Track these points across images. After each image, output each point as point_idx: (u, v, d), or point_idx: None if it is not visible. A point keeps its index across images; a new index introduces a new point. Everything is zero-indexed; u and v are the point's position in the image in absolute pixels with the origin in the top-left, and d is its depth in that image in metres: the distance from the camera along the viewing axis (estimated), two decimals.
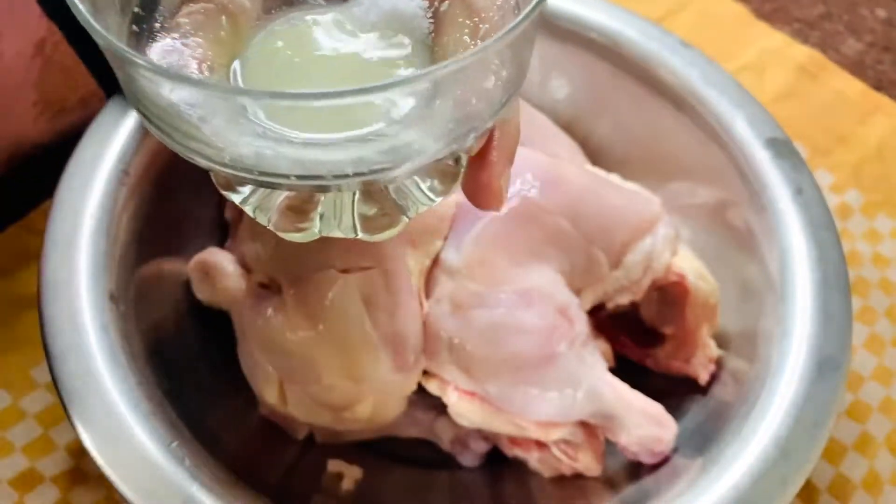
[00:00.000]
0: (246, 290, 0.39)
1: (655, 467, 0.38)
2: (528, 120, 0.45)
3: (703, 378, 0.41)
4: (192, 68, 0.26)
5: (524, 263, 0.38)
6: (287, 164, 0.24)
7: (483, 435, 0.41)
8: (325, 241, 0.31)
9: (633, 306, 0.43)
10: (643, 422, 0.37)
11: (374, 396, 0.38)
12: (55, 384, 0.34)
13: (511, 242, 0.38)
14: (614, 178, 0.43)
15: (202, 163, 0.25)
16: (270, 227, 0.30)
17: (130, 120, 0.41)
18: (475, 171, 0.29)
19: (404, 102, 0.25)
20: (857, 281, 0.48)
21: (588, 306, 0.40)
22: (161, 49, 0.27)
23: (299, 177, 0.25)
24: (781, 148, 0.42)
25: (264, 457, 0.40)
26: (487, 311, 0.37)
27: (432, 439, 0.42)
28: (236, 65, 0.27)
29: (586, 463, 0.39)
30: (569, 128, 0.48)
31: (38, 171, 0.44)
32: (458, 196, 0.36)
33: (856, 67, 0.59)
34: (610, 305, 0.41)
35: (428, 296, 0.39)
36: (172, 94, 0.24)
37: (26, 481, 0.39)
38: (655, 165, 0.47)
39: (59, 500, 0.39)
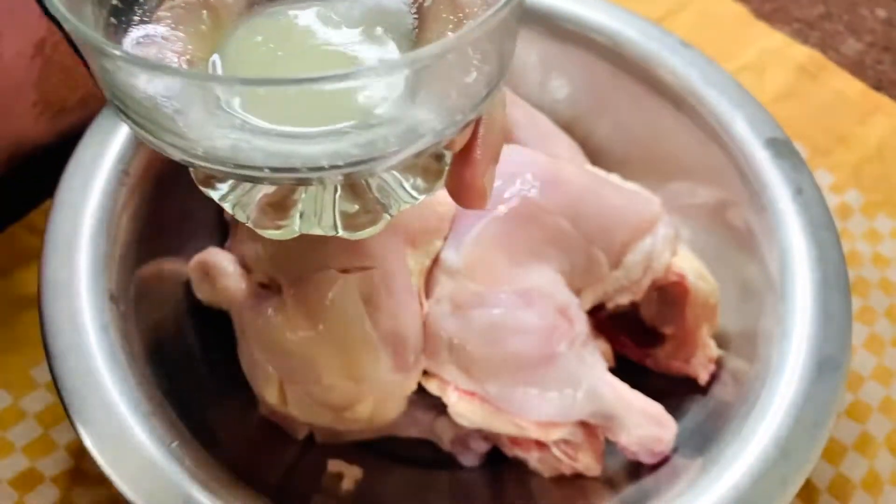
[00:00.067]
0: (246, 290, 0.39)
1: (655, 467, 0.38)
2: (528, 120, 0.45)
3: (703, 378, 0.41)
4: (172, 62, 0.26)
5: (524, 263, 0.38)
6: (262, 156, 0.24)
7: (483, 435, 0.41)
8: (324, 241, 0.31)
9: (633, 306, 0.43)
10: (643, 422, 0.37)
11: (374, 396, 0.38)
12: (55, 384, 0.34)
13: (511, 242, 0.38)
14: (614, 178, 0.43)
15: (176, 156, 0.25)
16: (249, 225, 0.30)
17: None
18: (459, 169, 0.29)
19: (381, 95, 0.25)
20: (857, 281, 0.48)
21: (588, 306, 0.40)
22: (139, 42, 0.26)
23: (274, 169, 0.24)
24: (781, 148, 0.42)
25: (264, 457, 0.40)
26: (487, 311, 0.37)
27: (432, 439, 0.42)
28: (215, 59, 0.27)
29: (586, 463, 0.39)
30: (569, 128, 0.48)
31: (38, 171, 0.44)
32: None
33: (856, 67, 0.59)
34: (610, 305, 0.42)
35: (428, 296, 0.39)
36: (143, 82, 0.23)
37: (26, 481, 0.39)
38: (655, 165, 0.47)
39: (60, 500, 0.39)
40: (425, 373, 0.39)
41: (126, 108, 0.25)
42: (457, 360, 0.37)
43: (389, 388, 0.38)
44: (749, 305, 0.41)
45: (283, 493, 0.38)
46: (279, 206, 0.29)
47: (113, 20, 0.27)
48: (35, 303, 0.36)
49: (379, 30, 0.28)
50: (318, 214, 0.29)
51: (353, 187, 0.29)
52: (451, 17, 0.27)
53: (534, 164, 0.40)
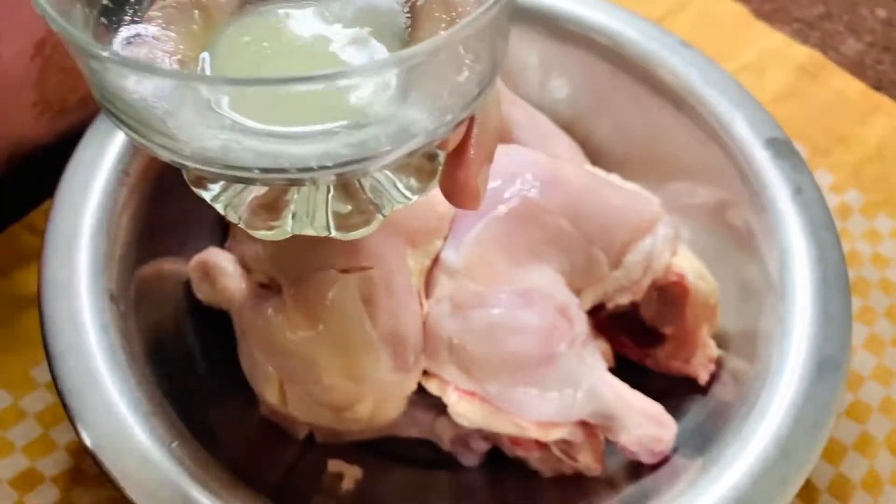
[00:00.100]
0: (246, 290, 0.39)
1: (655, 467, 0.38)
2: (528, 120, 0.45)
3: (703, 378, 0.41)
4: (163, 62, 0.26)
5: (524, 263, 0.38)
6: (252, 157, 0.24)
7: (483, 435, 0.41)
8: (324, 241, 0.31)
9: (633, 306, 0.43)
10: (643, 422, 0.37)
11: (374, 396, 0.38)
12: (55, 384, 0.34)
13: (511, 242, 0.38)
14: (614, 178, 0.43)
15: (166, 157, 0.25)
16: (241, 226, 0.30)
17: None
18: (452, 169, 0.29)
19: (372, 94, 0.25)
20: (856, 281, 0.48)
21: (588, 306, 0.40)
22: (130, 42, 0.26)
23: (264, 170, 0.24)
24: (781, 148, 0.42)
25: (264, 457, 0.40)
26: (487, 311, 0.37)
27: (432, 439, 0.42)
28: (204, 57, 0.27)
29: (586, 463, 0.39)
30: (569, 128, 0.48)
31: (38, 171, 0.44)
32: None
33: (856, 67, 0.59)
34: (610, 305, 0.41)
35: (428, 296, 0.39)
36: (132, 84, 0.23)
37: (26, 481, 0.39)
38: (655, 165, 0.47)
39: (60, 500, 0.39)
40: (425, 373, 0.39)
41: (115, 109, 0.25)
42: (457, 360, 0.37)
43: (389, 388, 0.38)
44: (749, 305, 0.41)
45: (283, 493, 0.38)
46: (271, 207, 0.29)
47: (104, 20, 0.27)
48: (35, 303, 0.36)
49: (370, 29, 0.28)
50: (310, 215, 0.29)
51: (346, 188, 0.29)
52: (444, 17, 0.27)
53: (534, 164, 0.40)
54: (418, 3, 0.28)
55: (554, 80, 0.49)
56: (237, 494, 0.34)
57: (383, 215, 0.30)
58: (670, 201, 0.43)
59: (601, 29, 0.47)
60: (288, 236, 0.30)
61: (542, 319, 0.37)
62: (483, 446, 0.42)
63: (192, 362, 0.42)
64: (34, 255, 0.38)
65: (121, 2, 0.27)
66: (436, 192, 0.30)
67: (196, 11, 0.27)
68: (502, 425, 0.38)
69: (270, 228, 0.29)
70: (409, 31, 0.28)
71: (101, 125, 0.41)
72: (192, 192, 0.30)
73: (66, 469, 0.40)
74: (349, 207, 0.29)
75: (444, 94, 0.25)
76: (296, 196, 0.29)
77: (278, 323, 0.37)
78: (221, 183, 0.29)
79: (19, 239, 0.46)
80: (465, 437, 0.41)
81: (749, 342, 0.40)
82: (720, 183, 0.44)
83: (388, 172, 0.29)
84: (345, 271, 0.37)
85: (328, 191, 0.29)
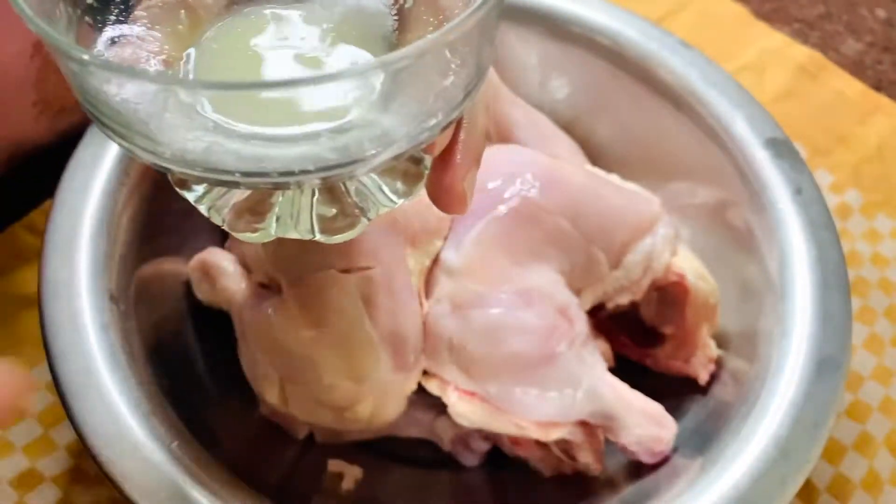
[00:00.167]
0: (246, 290, 0.39)
1: (655, 467, 0.38)
2: (528, 120, 0.45)
3: (703, 378, 0.41)
4: (147, 62, 0.26)
5: (524, 263, 0.38)
6: (234, 159, 0.24)
7: (483, 435, 0.41)
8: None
9: (633, 306, 0.43)
10: (643, 422, 0.37)
11: (375, 396, 0.38)
12: (55, 384, 0.35)
13: (511, 242, 0.38)
14: (614, 178, 0.43)
15: (147, 159, 0.24)
16: (225, 228, 0.29)
17: None
18: (439, 173, 0.28)
19: (356, 98, 0.24)
20: (856, 281, 0.48)
21: (588, 306, 0.40)
22: (115, 42, 0.26)
23: (245, 174, 0.24)
24: (781, 148, 0.42)
25: (264, 457, 0.40)
26: (487, 311, 0.37)
27: (432, 439, 0.42)
28: (189, 57, 0.27)
29: (586, 463, 0.39)
30: (569, 128, 0.48)
31: (38, 171, 0.44)
32: None
33: (856, 67, 0.59)
34: (610, 305, 0.42)
35: (428, 296, 0.39)
36: (113, 86, 0.23)
37: (27, 481, 0.39)
38: (655, 165, 0.47)
39: (60, 500, 0.39)
40: (425, 373, 0.39)
41: (97, 112, 0.24)
42: (457, 360, 0.37)
43: (389, 388, 0.38)
44: (749, 305, 0.41)
45: (283, 493, 0.38)
46: (255, 210, 0.29)
47: (88, 20, 0.26)
48: (35, 303, 0.36)
49: (357, 31, 0.27)
50: (294, 218, 0.29)
51: (331, 191, 0.29)
52: (432, 19, 0.27)
53: (534, 164, 0.40)
54: (406, 6, 0.28)
55: (554, 80, 0.49)
56: (237, 494, 0.34)
57: (368, 219, 0.29)
58: (670, 201, 0.43)
59: (601, 29, 0.47)
60: (272, 239, 0.30)
61: (542, 319, 0.37)
62: (483, 446, 0.42)
63: (192, 362, 0.42)
64: (34, 255, 0.38)
65: (106, 1, 0.27)
66: None
67: (182, 11, 0.27)
68: (502, 425, 0.38)
69: (254, 231, 0.29)
70: (397, 33, 0.28)
71: None
72: None
73: (66, 469, 0.40)
74: (334, 211, 0.29)
75: (430, 99, 0.25)
76: (280, 199, 0.29)
77: (278, 323, 0.37)
78: (205, 184, 0.29)
79: (19, 239, 0.46)
80: (465, 437, 0.41)
81: (749, 342, 0.40)
82: (720, 183, 0.44)
83: (373, 176, 0.29)
84: (345, 271, 0.37)
85: (313, 194, 0.29)
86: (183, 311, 0.42)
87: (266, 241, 0.30)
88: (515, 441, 0.40)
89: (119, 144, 0.25)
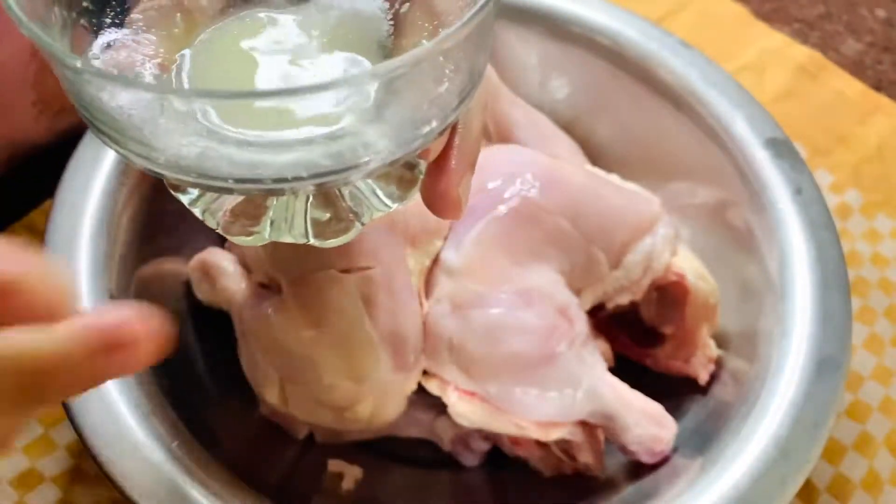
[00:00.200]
0: (246, 290, 0.39)
1: (655, 467, 0.38)
2: (528, 120, 0.45)
3: (703, 378, 0.41)
4: (143, 66, 0.26)
5: (524, 263, 0.38)
6: (226, 165, 0.24)
7: (483, 434, 0.41)
8: None
9: (633, 306, 0.43)
10: (643, 421, 0.37)
11: (374, 396, 0.38)
12: None
13: (511, 242, 0.38)
14: (614, 178, 0.43)
15: (141, 164, 0.24)
16: (220, 231, 0.29)
17: None
18: (433, 179, 0.28)
19: (350, 105, 0.24)
20: (856, 281, 0.48)
21: (588, 306, 0.40)
22: (110, 45, 0.26)
23: (238, 180, 0.24)
24: (781, 148, 0.42)
25: (264, 457, 0.40)
26: (487, 311, 0.37)
27: (432, 439, 0.42)
28: (184, 61, 0.27)
29: (586, 463, 0.39)
30: (569, 128, 0.48)
31: (38, 171, 0.44)
32: None
33: (856, 67, 0.59)
34: (610, 305, 0.42)
35: (428, 296, 0.39)
36: (106, 93, 0.23)
37: (27, 481, 0.39)
38: (655, 165, 0.47)
39: (60, 500, 0.39)
40: (425, 373, 0.39)
41: (91, 117, 0.24)
42: (457, 360, 0.37)
43: (389, 388, 0.38)
44: (749, 305, 0.41)
45: (283, 493, 0.38)
46: (249, 214, 0.29)
47: (83, 23, 0.26)
48: None
49: (353, 36, 0.27)
50: (288, 222, 0.29)
51: (326, 195, 0.29)
52: (427, 25, 0.27)
53: (534, 164, 0.40)
54: (401, 11, 0.28)
55: (554, 80, 0.49)
56: (237, 494, 0.34)
57: (362, 223, 0.29)
58: (670, 201, 0.43)
59: (601, 29, 0.47)
60: (265, 242, 0.30)
61: (542, 319, 0.37)
62: (483, 446, 0.42)
63: (192, 362, 0.42)
64: None
65: (101, 4, 0.27)
66: None
67: (178, 14, 0.27)
68: (502, 425, 0.38)
69: (248, 234, 0.29)
70: (392, 38, 0.28)
71: None
72: None
73: (66, 469, 0.40)
74: (328, 215, 0.29)
75: (424, 105, 0.25)
76: (274, 203, 0.29)
77: (278, 323, 0.37)
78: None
79: (19, 239, 0.46)
80: (465, 437, 0.41)
81: (749, 342, 0.40)
82: (720, 183, 0.44)
83: (368, 180, 0.29)
84: (345, 271, 0.37)
85: (307, 198, 0.29)
86: (183, 311, 0.42)
87: (260, 244, 0.30)
88: (515, 441, 0.40)
89: (114, 150, 0.25)
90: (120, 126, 0.24)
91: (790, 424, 0.35)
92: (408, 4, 0.28)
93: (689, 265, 0.42)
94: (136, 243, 0.40)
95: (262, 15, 0.28)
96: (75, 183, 0.39)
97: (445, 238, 0.39)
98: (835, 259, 0.39)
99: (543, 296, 0.38)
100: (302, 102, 0.23)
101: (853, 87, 0.57)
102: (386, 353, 0.37)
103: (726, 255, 0.43)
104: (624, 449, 0.38)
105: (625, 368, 0.41)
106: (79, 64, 0.23)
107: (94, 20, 0.27)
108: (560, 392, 0.37)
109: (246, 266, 0.40)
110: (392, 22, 0.28)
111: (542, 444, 0.39)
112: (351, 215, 0.29)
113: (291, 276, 0.37)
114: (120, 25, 0.27)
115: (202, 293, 0.41)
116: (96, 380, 0.20)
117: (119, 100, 0.23)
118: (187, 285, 0.41)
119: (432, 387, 0.39)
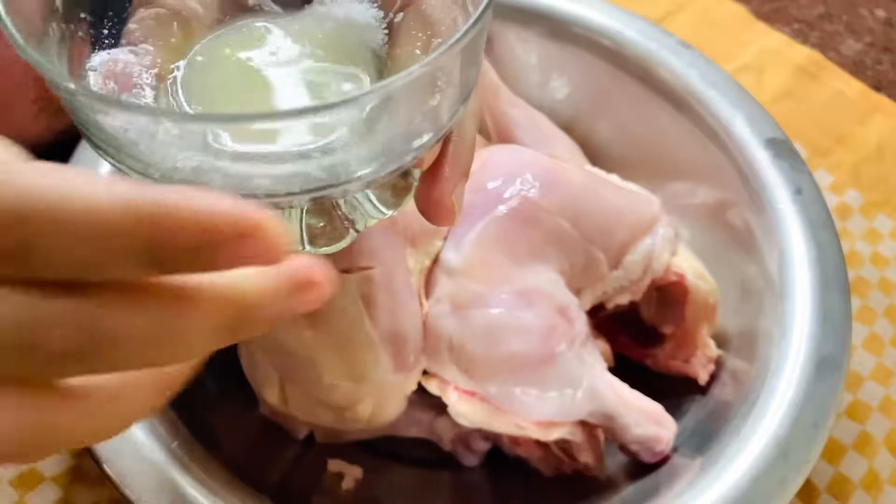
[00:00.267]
0: None
1: (655, 467, 0.38)
2: (528, 120, 0.45)
3: (703, 378, 0.41)
4: (140, 76, 0.26)
5: (524, 263, 0.38)
6: (220, 178, 0.24)
7: (483, 434, 0.41)
8: None
9: (633, 306, 0.43)
10: (643, 421, 0.38)
11: (374, 396, 0.38)
12: None
13: (511, 242, 0.38)
14: (614, 178, 0.43)
15: (135, 177, 0.24)
16: None
17: None
18: (427, 187, 0.28)
19: (343, 121, 0.24)
20: (856, 281, 0.48)
21: (588, 306, 0.40)
22: (107, 56, 0.26)
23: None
24: (781, 148, 0.42)
25: (264, 457, 0.40)
26: (487, 310, 0.37)
27: (432, 439, 0.42)
28: (179, 71, 0.27)
29: (586, 463, 0.39)
30: (569, 128, 0.48)
31: None
32: None
33: (855, 68, 0.59)
34: (610, 305, 0.42)
35: (428, 296, 0.39)
36: (100, 113, 0.23)
37: (26, 481, 0.39)
38: (655, 165, 0.47)
39: (60, 500, 0.39)
40: (425, 373, 0.39)
41: (87, 133, 0.25)
42: (457, 360, 0.37)
43: (389, 388, 0.38)
44: (749, 305, 0.41)
45: (283, 493, 0.38)
46: None
47: (81, 35, 0.26)
48: None
49: (348, 45, 0.27)
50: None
51: (321, 203, 0.29)
52: (421, 35, 0.27)
53: (534, 164, 0.40)
54: (396, 20, 0.28)
55: (554, 80, 0.49)
56: (237, 494, 0.34)
57: (357, 231, 0.30)
58: (670, 201, 0.43)
59: (601, 29, 0.47)
60: None
61: (542, 319, 0.37)
62: (483, 446, 0.42)
63: None
64: None
65: (99, 16, 0.27)
66: None
67: (175, 24, 0.27)
68: (502, 425, 0.38)
69: None
70: (387, 47, 0.28)
71: None
72: None
73: (66, 469, 0.40)
74: (323, 223, 0.29)
75: (417, 119, 0.25)
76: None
77: (278, 323, 0.37)
78: None
79: None
80: (465, 436, 0.41)
81: (749, 342, 0.40)
82: (720, 183, 0.44)
83: None
84: (345, 271, 0.37)
85: (303, 207, 0.29)
86: None
87: None
88: (515, 441, 0.40)
89: (109, 163, 0.25)
90: (116, 142, 0.24)
91: (790, 424, 0.35)
92: (402, 14, 0.28)
93: (688, 265, 0.42)
94: None
95: (258, 24, 0.28)
96: None
97: (445, 238, 0.39)
98: (835, 259, 0.39)
99: (543, 296, 0.38)
100: (298, 122, 0.23)
101: (853, 88, 0.57)
102: (386, 353, 0.37)
103: (726, 255, 0.43)
104: (624, 449, 0.38)
105: (625, 368, 0.41)
106: (72, 86, 0.23)
107: (92, 32, 0.27)
108: (560, 392, 0.37)
109: None
110: (386, 31, 0.28)
111: (542, 444, 0.39)
112: (346, 223, 0.29)
113: None
114: (118, 36, 0.27)
115: None
116: (291, 313, 0.22)
117: (114, 119, 0.23)
118: None
119: (432, 387, 0.39)
